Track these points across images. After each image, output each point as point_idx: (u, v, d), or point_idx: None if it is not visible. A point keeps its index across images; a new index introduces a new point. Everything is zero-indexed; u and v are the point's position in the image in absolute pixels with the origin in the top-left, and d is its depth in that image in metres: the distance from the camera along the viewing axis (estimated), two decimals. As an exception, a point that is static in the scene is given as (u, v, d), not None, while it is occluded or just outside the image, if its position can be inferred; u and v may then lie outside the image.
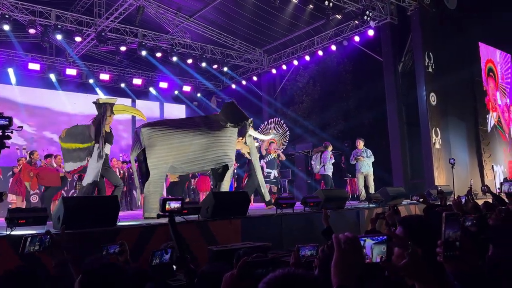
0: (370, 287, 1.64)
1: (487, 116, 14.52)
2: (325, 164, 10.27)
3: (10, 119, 4.47)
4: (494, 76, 15.48)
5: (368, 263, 1.27)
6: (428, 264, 1.25)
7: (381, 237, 1.29)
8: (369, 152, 10.18)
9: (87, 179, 6.74)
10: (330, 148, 10.53)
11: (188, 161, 7.18)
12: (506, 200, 5.84)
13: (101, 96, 15.68)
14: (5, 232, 4.17)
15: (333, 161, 10.47)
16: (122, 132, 15.90)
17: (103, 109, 6.86)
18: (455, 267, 1.28)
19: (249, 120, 8.27)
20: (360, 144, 10.26)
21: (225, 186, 7.71)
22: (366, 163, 10.10)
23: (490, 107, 14.90)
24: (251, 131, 8.56)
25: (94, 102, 6.94)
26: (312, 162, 10.90)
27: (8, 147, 4.50)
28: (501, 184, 10.75)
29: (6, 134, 4.46)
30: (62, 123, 15.14)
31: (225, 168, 7.69)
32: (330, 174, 10.39)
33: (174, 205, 2.31)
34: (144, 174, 7.01)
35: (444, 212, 1.35)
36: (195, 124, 7.49)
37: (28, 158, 8.97)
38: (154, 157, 6.84)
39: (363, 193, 10.07)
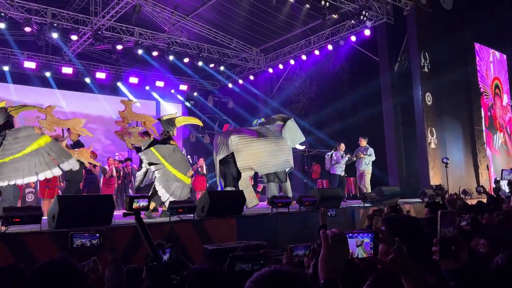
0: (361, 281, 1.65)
1: (494, 136, 14.59)
2: (338, 163, 10.42)
3: None
4: (500, 94, 15.60)
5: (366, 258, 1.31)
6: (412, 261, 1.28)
7: (368, 234, 1.31)
8: (371, 150, 10.25)
9: None
10: (341, 148, 10.62)
11: (260, 164, 8.52)
12: (503, 196, 5.89)
13: (98, 95, 15.67)
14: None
15: (346, 159, 10.44)
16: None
17: (169, 124, 7.28)
18: (450, 265, 1.30)
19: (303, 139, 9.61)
20: (363, 142, 10.36)
21: (287, 186, 8.98)
22: (365, 161, 10.14)
23: (498, 126, 15.10)
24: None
25: (158, 119, 7.45)
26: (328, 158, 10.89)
27: None
28: (502, 172, 10.79)
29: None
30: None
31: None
32: (340, 173, 10.50)
33: (142, 203, 2.30)
34: (225, 175, 8.42)
35: (439, 210, 1.37)
36: (265, 133, 8.86)
37: None
38: (241, 159, 8.26)
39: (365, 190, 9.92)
